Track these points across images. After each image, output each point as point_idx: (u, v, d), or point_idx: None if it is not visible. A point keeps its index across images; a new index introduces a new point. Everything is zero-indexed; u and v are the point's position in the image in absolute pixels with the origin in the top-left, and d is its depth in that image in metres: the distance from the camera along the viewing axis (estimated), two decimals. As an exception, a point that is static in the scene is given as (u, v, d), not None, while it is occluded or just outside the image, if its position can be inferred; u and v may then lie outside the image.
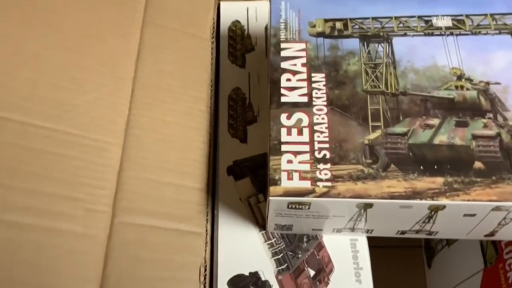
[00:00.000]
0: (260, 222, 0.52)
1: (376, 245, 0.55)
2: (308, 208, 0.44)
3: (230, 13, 0.65)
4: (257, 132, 0.57)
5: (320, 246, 0.51)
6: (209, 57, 0.59)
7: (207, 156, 0.53)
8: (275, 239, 0.51)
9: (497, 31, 0.53)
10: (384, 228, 0.49)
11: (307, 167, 0.45)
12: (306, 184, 0.44)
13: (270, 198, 0.43)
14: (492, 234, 0.49)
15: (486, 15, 0.54)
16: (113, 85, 0.52)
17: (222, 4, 0.65)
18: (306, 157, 0.45)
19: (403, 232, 0.49)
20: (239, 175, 0.54)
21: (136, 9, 0.58)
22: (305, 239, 0.52)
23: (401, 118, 0.48)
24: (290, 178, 0.44)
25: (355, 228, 0.49)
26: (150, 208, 0.47)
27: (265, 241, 0.51)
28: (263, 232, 0.51)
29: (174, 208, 0.48)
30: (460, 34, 0.52)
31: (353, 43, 0.52)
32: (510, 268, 0.51)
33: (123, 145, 0.50)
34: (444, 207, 0.43)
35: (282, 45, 0.52)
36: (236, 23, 0.64)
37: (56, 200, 0.45)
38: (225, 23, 0.64)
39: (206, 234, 0.50)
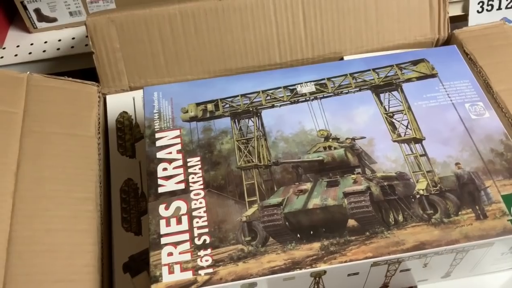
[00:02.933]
0: (160, 317, 0.50)
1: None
2: (195, 298, 0.44)
3: (116, 105, 0.66)
4: (152, 221, 0.56)
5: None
6: (95, 154, 0.59)
7: (99, 258, 0.52)
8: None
9: (357, 88, 0.57)
10: (281, 300, 0.49)
11: (187, 256, 0.45)
12: (188, 275, 0.43)
13: (152, 297, 0.43)
14: (386, 285, 0.50)
15: (346, 75, 0.58)
16: (-9, 203, 0.51)
17: (108, 97, 0.67)
18: (187, 246, 0.45)
19: (301, 300, 0.49)
20: (136, 270, 0.53)
21: (14, 120, 0.58)
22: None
23: (275, 189, 0.49)
24: (171, 272, 0.44)
25: (252, 306, 0.48)
26: (37, 328, 0.45)
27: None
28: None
29: (64, 322, 0.46)
30: (324, 97, 0.56)
31: (225, 122, 0.54)
32: (415, 313, 0.52)
33: (5, 265, 0.48)
34: (324, 272, 0.44)
35: (157, 135, 0.53)
36: (123, 114, 0.65)
37: None
38: (112, 115, 0.65)
39: None
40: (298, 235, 0.45)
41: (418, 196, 0.48)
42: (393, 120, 0.53)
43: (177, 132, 0.53)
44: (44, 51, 0.83)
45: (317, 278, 0.45)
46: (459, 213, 0.46)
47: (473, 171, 0.49)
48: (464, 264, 0.48)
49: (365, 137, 0.52)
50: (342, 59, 0.69)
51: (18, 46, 0.84)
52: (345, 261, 0.43)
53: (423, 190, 0.48)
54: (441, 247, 0.44)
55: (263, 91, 0.56)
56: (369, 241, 0.45)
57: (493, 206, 0.47)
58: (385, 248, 0.44)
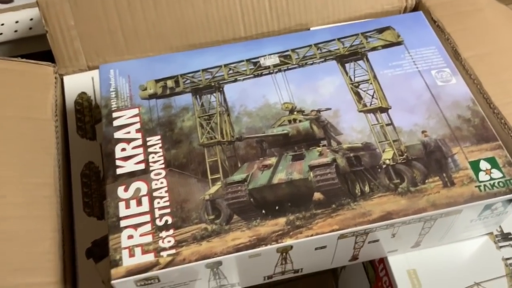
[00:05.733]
0: (125, 302, 0.49)
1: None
2: (159, 281, 0.42)
3: (75, 85, 0.63)
4: (116, 205, 0.54)
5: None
6: (52, 137, 0.56)
7: (60, 245, 0.50)
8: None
9: (322, 59, 0.55)
10: (249, 279, 0.47)
11: (149, 238, 0.43)
12: (150, 258, 0.42)
13: (113, 282, 0.41)
14: (355, 258, 0.49)
15: (310, 46, 0.56)
16: None
17: (65, 78, 0.63)
18: (148, 227, 0.43)
19: (270, 277, 0.48)
20: (99, 255, 0.51)
21: (-38, 105, 0.55)
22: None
23: (239, 165, 0.47)
24: (132, 255, 0.42)
25: (221, 285, 0.47)
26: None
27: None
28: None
29: (25, 312, 0.44)
30: (288, 69, 0.54)
31: (186, 99, 0.52)
32: (386, 285, 0.51)
33: (-42, 257, 0.46)
34: (291, 247, 0.43)
35: (114, 114, 0.50)
36: (82, 95, 0.62)
37: None
38: (70, 97, 0.62)
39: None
40: (263, 211, 0.44)
41: (384, 166, 0.47)
42: (359, 90, 0.52)
43: (135, 111, 0.51)
44: (1, 33, 0.78)
45: (284, 254, 0.44)
46: (426, 181, 0.46)
47: (440, 138, 0.48)
48: (433, 233, 0.48)
49: (330, 109, 0.51)
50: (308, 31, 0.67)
51: (-28, 30, 0.80)
52: (311, 235, 0.42)
53: (389, 159, 0.47)
54: (408, 217, 0.44)
55: (225, 65, 0.54)
56: (335, 213, 0.44)
57: (460, 173, 0.46)
58: (352, 220, 0.43)
